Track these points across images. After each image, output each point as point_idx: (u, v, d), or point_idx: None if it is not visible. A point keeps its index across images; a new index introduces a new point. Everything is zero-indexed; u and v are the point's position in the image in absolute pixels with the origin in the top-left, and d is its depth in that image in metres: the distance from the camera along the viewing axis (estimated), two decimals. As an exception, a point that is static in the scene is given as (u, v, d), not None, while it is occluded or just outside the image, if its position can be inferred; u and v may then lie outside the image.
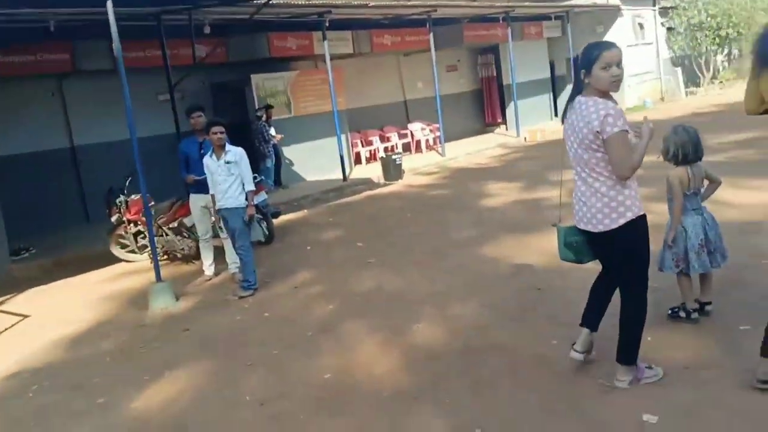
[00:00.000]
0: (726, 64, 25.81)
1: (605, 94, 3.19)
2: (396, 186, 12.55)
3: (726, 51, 25.08)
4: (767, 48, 3.07)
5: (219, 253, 7.24)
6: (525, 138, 17.64)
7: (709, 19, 22.31)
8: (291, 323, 5.30)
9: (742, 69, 25.56)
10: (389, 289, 5.85)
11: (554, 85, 21.86)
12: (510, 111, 19.19)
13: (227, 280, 6.99)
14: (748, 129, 11.46)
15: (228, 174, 6.20)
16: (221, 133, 6.14)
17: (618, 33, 21.16)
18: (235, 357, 4.72)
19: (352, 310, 5.38)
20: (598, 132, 3.09)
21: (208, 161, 6.36)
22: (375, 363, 4.20)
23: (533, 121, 19.41)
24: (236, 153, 6.24)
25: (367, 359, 4.29)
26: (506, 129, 19.93)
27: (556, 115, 21.89)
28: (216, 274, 7.27)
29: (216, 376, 4.41)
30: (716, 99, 19.96)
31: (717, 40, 22.71)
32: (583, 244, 3.49)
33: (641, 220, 3.22)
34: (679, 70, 23.41)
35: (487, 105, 20.79)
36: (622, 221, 3.17)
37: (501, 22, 17.83)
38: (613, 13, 21.15)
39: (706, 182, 4.14)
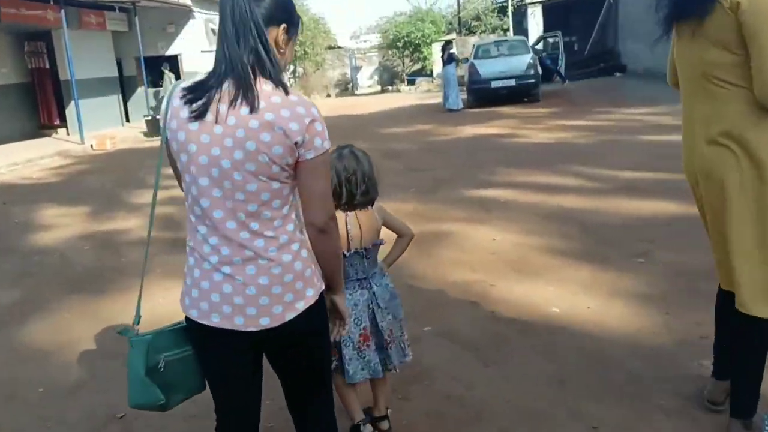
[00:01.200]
0: (293, 81, 27.32)
1: None
2: None
3: (292, 68, 26.51)
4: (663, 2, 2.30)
5: None
6: (92, 145, 14.89)
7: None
8: None
9: (308, 86, 27.47)
10: None
11: (123, 86, 19.51)
12: (71, 112, 16.06)
13: None
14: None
15: None
16: None
17: (190, 36, 20.24)
18: None
19: None
20: (295, 146, 1.59)
21: None
22: None
23: (101, 126, 16.67)
24: None
25: None
26: (68, 133, 16.69)
27: (127, 120, 19.50)
28: None
29: None
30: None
31: (287, 56, 23.71)
32: (190, 363, 1.81)
33: (324, 295, 1.81)
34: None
35: (42, 103, 17.16)
36: (301, 306, 1.70)
37: (52, 3, 14.67)
38: (185, 13, 19.90)
39: (382, 236, 2.54)
